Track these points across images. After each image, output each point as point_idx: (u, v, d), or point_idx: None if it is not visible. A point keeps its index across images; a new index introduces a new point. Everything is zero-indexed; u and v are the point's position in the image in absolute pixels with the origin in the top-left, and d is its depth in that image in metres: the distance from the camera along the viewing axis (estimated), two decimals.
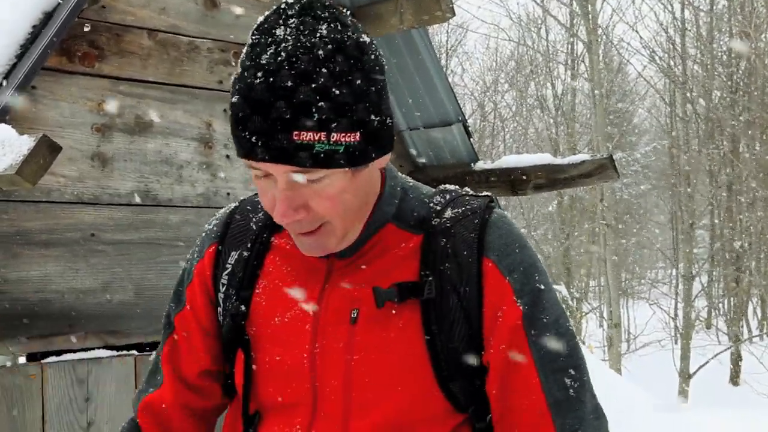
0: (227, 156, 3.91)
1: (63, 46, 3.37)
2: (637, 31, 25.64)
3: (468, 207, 1.42)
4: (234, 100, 1.25)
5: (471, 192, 1.48)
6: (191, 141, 3.80)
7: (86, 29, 3.43)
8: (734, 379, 19.92)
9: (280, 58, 1.21)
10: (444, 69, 4.98)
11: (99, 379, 3.44)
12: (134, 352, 3.58)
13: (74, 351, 3.44)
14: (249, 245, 1.49)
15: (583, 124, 24.05)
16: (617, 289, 18.66)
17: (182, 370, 1.55)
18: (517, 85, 26.45)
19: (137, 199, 3.62)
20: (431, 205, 1.44)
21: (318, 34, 1.23)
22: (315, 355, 1.37)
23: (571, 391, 1.34)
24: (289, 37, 1.22)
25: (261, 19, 1.28)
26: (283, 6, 1.27)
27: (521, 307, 1.35)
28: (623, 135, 24.68)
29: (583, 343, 18.22)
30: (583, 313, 22.37)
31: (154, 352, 1.62)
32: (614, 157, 4.43)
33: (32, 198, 3.33)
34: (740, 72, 20.03)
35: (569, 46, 23.51)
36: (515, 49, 26.69)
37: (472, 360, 1.37)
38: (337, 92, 1.22)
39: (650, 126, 28.74)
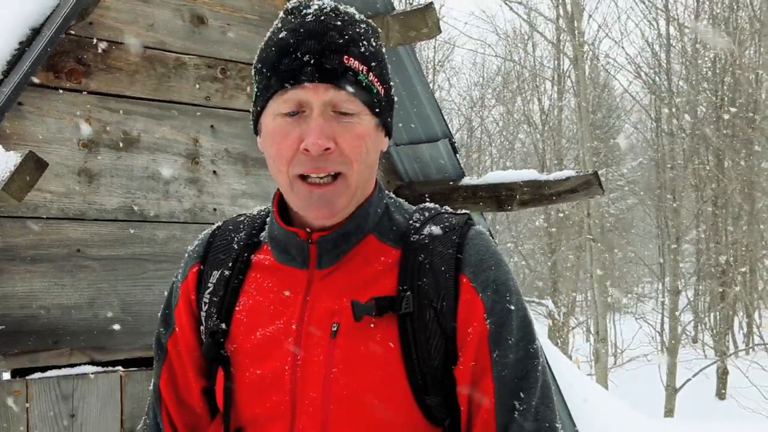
0: (214, 171, 3.91)
1: (50, 62, 3.37)
2: (622, 47, 25.90)
3: (446, 224, 1.45)
4: (281, 35, 1.38)
5: (450, 210, 1.51)
6: (178, 157, 3.80)
7: (72, 45, 3.44)
8: (720, 393, 19.98)
9: (324, 13, 1.39)
10: (431, 85, 5.00)
11: (84, 395, 3.42)
12: (120, 368, 3.57)
13: (59, 367, 3.43)
14: (230, 264, 1.51)
15: (570, 139, 24.15)
16: (604, 304, 18.70)
17: (182, 393, 1.55)
18: (504, 100, 26.57)
19: (123, 215, 3.62)
20: (411, 221, 1.47)
21: (342, 8, 1.43)
22: (296, 367, 1.39)
23: (516, 413, 1.36)
24: (324, 8, 1.41)
25: (281, 15, 1.44)
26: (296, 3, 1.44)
27: (489, 326, 1.37)
28: (609, 150, 24.79)
29: (570, 357, 18.24)
30: (570, 328, 22.40)
31: (152, 382, 1.61)
32: (600, 172, 4.45)
33: (18, 214, 3.32)
34: (725, 87, 20.18)
35: (556, 62, 23.65)
36: (502, 64, 26.85)
37: (447, 374, 1.39)
38: (373, 43, 1.43)
39: (636, 141, 28.88)
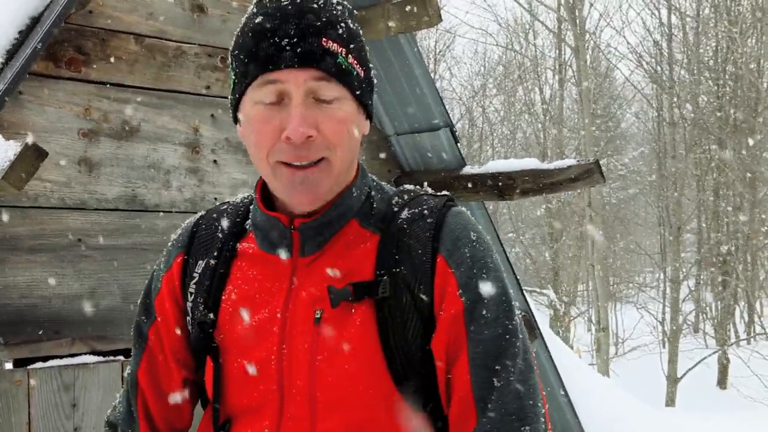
0: (214, 161, 3.91)
1: (49, 51, 3.36)
2: (624, 36, 25.80)
3: (425, 207, 1.43)
4: (258, 20, 1.38)
5: (430, 191, 1.50)
6: (178, 146, 3.79)
7: (73, 34, 3.43)
8: (722, 382, 19.99)
9: None
10: (432, 74, 4.99)
11: (85, 384, 3.42)
12: (121, 357, 3.57)
13: (61, 357, 3.43)
14: (215, 253, 1.49)
15: (571, 129, 24.11)
16: (605, 293, 18.70)
17: (162, 383, 1.54)
18: (506, 89, 26.52)
19: (124, 205, 3.61)
20: (391, 204, 1.46)
21: None
22: (282, 356, 1.38)
23: (495, 392, 1.33)
24: None
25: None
26: None
27: (463, 302, 1.36)
28: (611, 140, 24.75)
29: (571, 347, 18.26)
30: (572, 318, 22.42)
31: (128, 370, 1.60)
32: (601, 161, 4.44)
33: (18, 203, 3.32)
34: (726, 76, 20.13)
35: (557, 51, 23.59)
36: (503, 53, 26.79)
37: (428, 358, 1.37)
38: (351, 25, 1.41)
39: (638, 131, 28.84)
